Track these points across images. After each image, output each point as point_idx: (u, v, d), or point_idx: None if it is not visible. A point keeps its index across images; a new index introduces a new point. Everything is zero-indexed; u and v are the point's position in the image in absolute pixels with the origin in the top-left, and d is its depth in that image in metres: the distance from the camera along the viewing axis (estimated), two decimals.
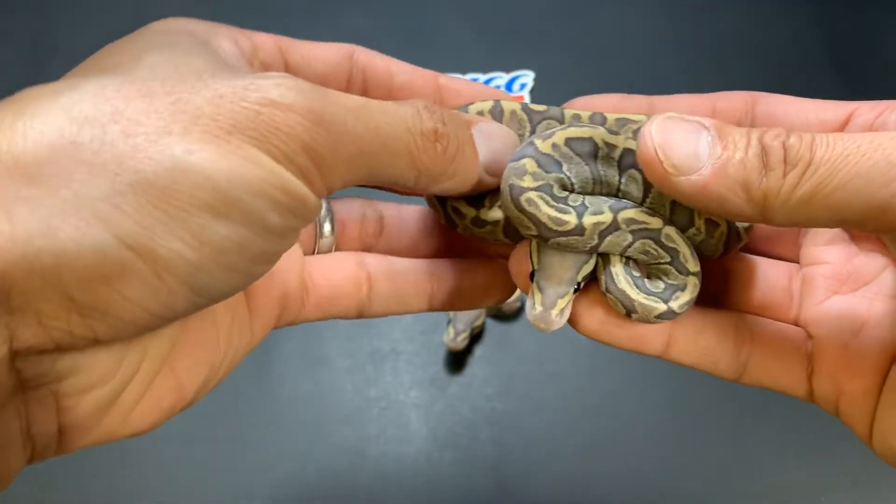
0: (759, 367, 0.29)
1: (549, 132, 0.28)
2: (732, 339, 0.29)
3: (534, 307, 0.28)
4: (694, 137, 0.23)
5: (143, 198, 0.19)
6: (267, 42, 0.31)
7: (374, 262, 0.31)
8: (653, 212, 0.27)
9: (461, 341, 0.56)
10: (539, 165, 0.27)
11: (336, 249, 0.31)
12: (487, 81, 0.69)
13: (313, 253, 0.31)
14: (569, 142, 0.27)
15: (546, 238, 0.27)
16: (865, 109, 0.27)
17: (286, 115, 0.20)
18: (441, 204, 0.29)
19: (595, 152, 0.28)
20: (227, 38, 0.28)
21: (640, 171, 0.26)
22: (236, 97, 0.20)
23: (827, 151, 0.22)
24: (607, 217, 0.26)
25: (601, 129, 0.28)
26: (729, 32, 0.74)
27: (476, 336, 0.58)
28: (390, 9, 0.73)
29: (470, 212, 0.29)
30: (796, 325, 0.30)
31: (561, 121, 0.29)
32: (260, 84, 0.21)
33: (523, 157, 0.27)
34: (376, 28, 0.72)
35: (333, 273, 0.30)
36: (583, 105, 0.31)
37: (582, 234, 0.27)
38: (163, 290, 0.20)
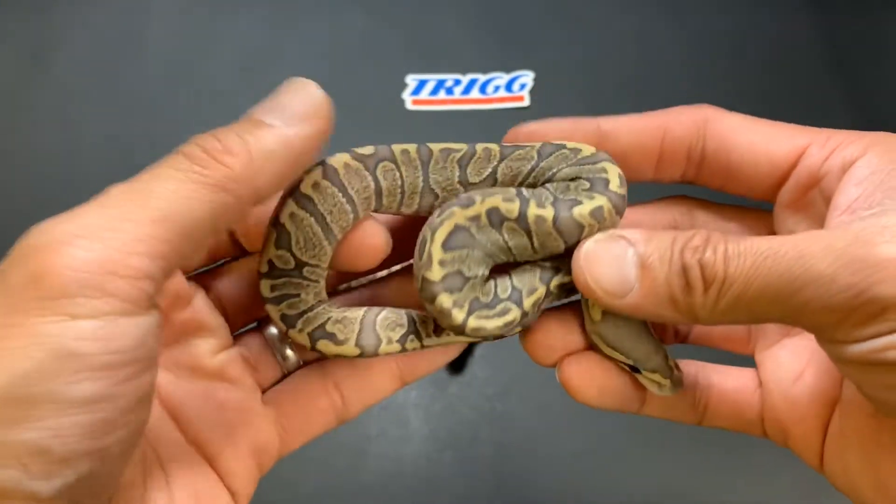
0: (715, 416, 0.31)
1: (425, 245, 0.29)
2: (692, 393, 0.31)
3: (661, 389, 0.30)
4: (620, 262, 0.25)
5: None
6: None
7: (337, 366, 0.31)
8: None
9: None
10: (450, 292, 0.28)
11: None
12: (487, 82, 0.69)
13: (283, 377, 0.32)
14: (451, 236, 0.28)
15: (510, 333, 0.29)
16: (816, 148, 0.28)
17: None
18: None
19: (469, 230, 0.29)
20: None
21: (514, 220, 0.28)
22: None
23: (739, 265, 0.23)
24: (542, 290, 0.29)
25: (457, 210, 0.28)
26: (729, 32, 0.74)
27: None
28: (390, 9, 0.73)
29: (280, 326, 0.30)
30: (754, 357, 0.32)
31: (392, 160, 0.29)
32: None
33: (434, 294, 0.28)
34: (376, 28, 0.72)
35: (300, 396, 0.31)
36: (532, 129, 0.31)
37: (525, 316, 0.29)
38: None
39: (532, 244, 0.28)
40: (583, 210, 0.28)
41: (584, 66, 0.71)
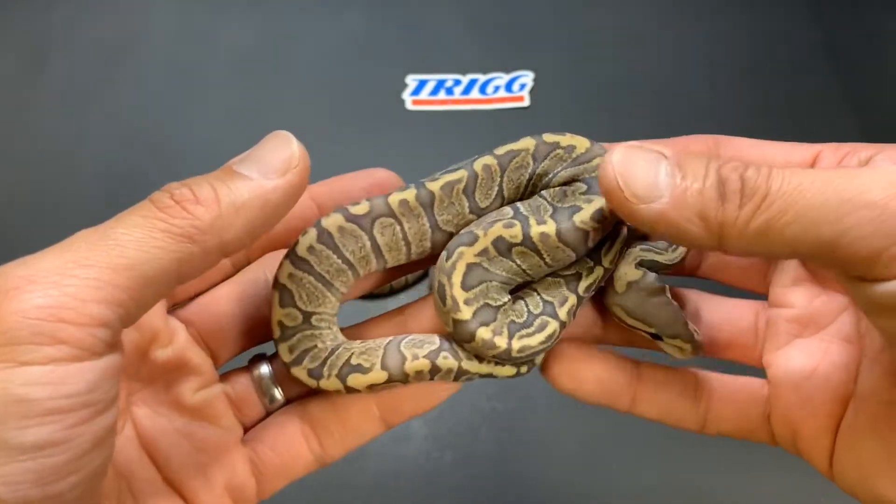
0: (719, 418, 0.31)
1: (444, 290, 0.29)
2: (692, 395, 0.31)
3: (683, 353, 0.30)
4: (654, 167, 0.24)
5: None
6: None
7: (317, 408, 0.31)
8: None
9: None
10: (486, 324, 0.28)
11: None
12: (487, 82, 0.69)
13: (265, 416, 0.31)
14: (466, 276, 0.29)
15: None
16: (829, 152, 0.28)
17: None
18: (287, 371, 0.30)
19: (482, 264, 0.29)
20: None
21: (520, 243, 0.28)
22: None
23: (783, 184, 0.22)
24: (573, 298, 0.30)
25: (465, 249, 0.29)
26: (729, 33, 0.74)
27: None
28: (390, 9, 0.73)
29: (311, 383, 0.29)
30: (761, 364, 0.31)
31: (390, 214, 0.29)
32: None
33: (471, 331, 0.28)
34: (376, 28, 0.72)
35: (279, 439, 0.30)
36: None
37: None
38: None
39: (544, 261, 0.29)
40: (583, 216, 0.28)
41: (584, 66, 0.71)
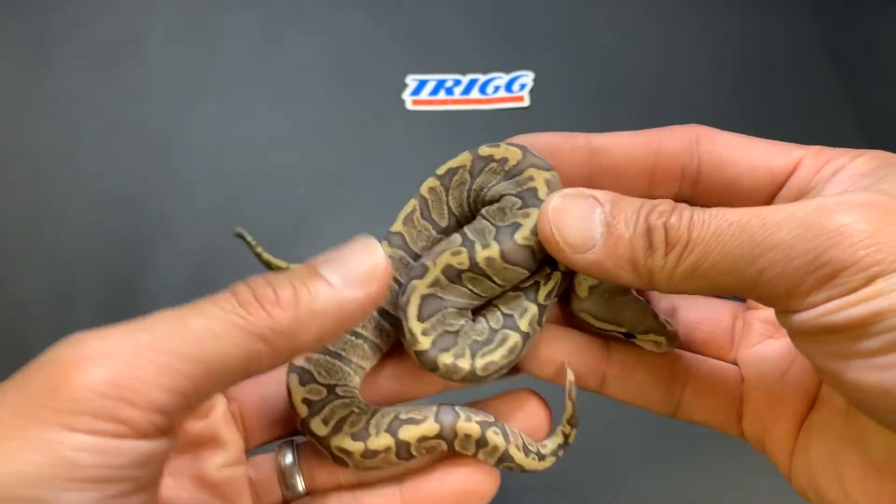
0: (692, 405, 0.31)
1: (402, 325, 0.29)
2: (666, 379, 0.31)
3: (660, 347, 0.30)
4: (588, 217, 0.26)
5: None
6: None
7: (337, 502, 0.30)
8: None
9: None
10: (446, 350, 0.29)
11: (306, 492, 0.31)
12: (487, 82, 0.69)
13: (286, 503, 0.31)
14: (421, 308, 0.29)
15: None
16: (810, 159, 0.28)
17: None
18: (327, 448, 0.29)
19: (436, 294, 0.29)
20: None
21: (468, 269, 0.28)
22: None
23: (702, 231, 0.24)
24: (533, 308, 0.30)
25: (417, 283, 0.29)
26: (729, 33, 0.74)
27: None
28: (390, 9, 0.73)
29: (357, 447, 0.29)
30: (735, 363, 0.32)
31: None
32: None
33: (433, 359, 0.29)
34: (376, 28, 0.72)
35: None
36: (523, 142, 0.31)
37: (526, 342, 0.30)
38: None
39: (495, 283, 0.29)
40: (524, 233, 0.28)
41: (584, 66, 0.71)
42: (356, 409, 0.29)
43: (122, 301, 0.57)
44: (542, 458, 0.31)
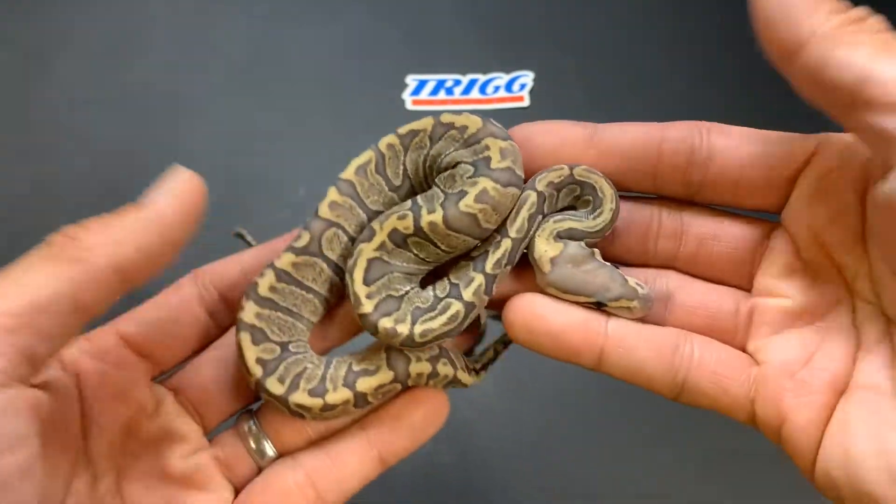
0: (697, 388, 0.29)
1: (349, 288, 0.30)
2: (669, 358, 0.29)
3: (633, 311, 0.29)
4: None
5: None
6: None
7: (310, 457, 0.31)
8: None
9: None
10: (388, 314, 0.29)
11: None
12: (487, 82, 0.69)
13: (258, 472, 0.31)
14: (367, 272, 0.29)
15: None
16: (827, 146, 0.29)
17: None
18: (285, 405, 0.30)
19: (381, 258, 0.30)
20: None
21: (413, 234, 0.29)
22: None
23: None
24: (479, 278, 0.30)
25: (364, 246, 0.29)
26: (729, 33, 0.74)
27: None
28: (391, 9, 0.73)
29: (315, 402, 0.29)
30: (743, 350, 0.30)
31: (330, 223, 0.30)
32: None
33: (374, 323, 0.29)
34: (376, 28, 0.72)
35: (272, 494, 0.30)
36: (526, 134, 0.30)
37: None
38: None
39: (440, 249, 0.29)
40: (468, 200, 0.28)
41: (584, 66, 0.71)
42: (309, 364, 0.30)
43: (122, 301, 0.57)
44: (477, 372, 0.33)
